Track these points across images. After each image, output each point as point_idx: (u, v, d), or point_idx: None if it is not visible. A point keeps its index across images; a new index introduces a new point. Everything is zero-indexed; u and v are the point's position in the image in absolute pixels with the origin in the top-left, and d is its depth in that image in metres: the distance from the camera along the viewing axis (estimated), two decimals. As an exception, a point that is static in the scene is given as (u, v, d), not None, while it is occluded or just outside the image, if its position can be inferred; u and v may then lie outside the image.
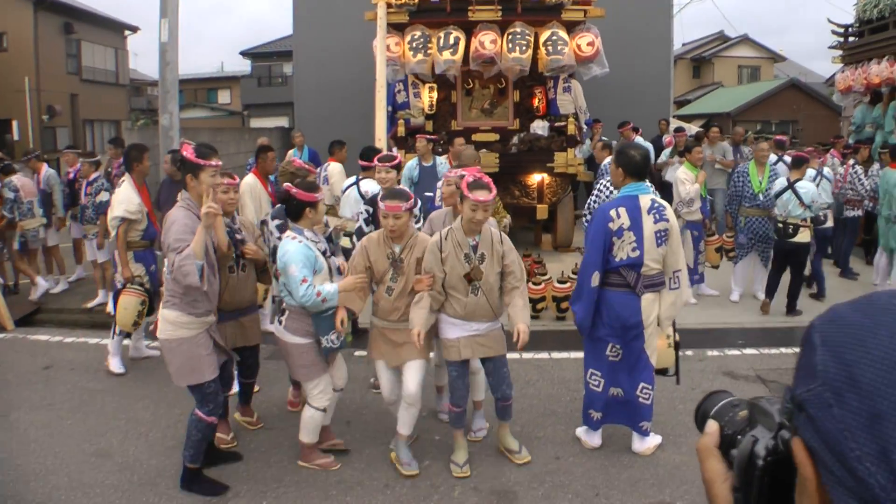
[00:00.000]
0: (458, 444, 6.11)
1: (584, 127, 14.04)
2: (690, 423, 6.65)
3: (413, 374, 5.84)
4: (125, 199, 8.14)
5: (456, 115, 13.44)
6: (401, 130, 12.77)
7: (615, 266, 5.99)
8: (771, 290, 10.24)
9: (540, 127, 13.02)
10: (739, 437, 1.08)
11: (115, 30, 40.01)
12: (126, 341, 8.57)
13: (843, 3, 49.79)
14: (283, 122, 39.11)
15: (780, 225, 9.88)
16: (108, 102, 37.77)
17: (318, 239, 5.90)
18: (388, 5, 11.73)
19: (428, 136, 11.25)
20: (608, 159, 10.57)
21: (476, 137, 13.00)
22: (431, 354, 6.40)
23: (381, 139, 10.05)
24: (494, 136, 13.10)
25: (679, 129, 15.14)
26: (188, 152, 5.65)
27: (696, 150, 10.47)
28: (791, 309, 10.19)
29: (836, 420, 0.82)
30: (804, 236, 9.76)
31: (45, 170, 12.33)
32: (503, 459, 6.18)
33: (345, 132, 12.74)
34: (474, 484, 5.82)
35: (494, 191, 5.65)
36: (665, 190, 11.54)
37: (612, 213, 5.96)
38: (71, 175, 11.84)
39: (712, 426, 1.18)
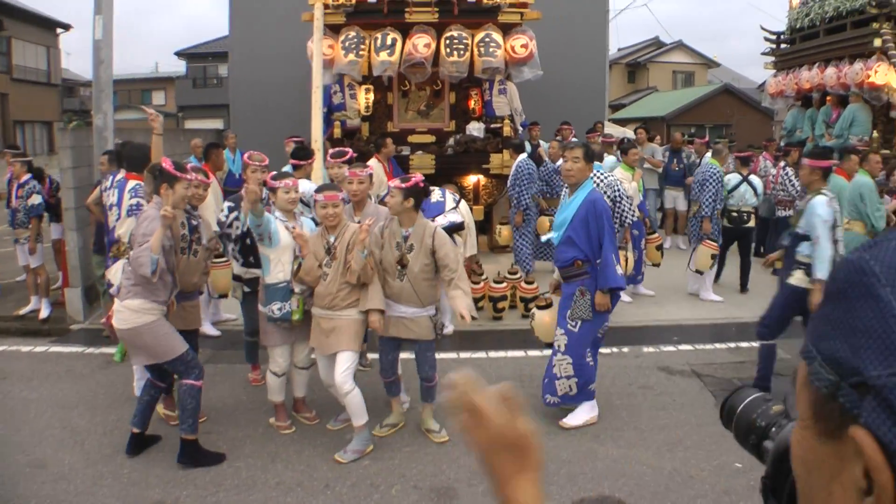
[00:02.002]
0: (393, 409, 6.89)
1: (520, 129, 14.11)
2: (627, 418, 6.79)
3: (339, 364, 6.22)
4: None
5: (392, 116, 13.46)
6: (337, 132, 12.75)
7: None
8: (721, 267, 11.77)
9: (476, 128, 13.10)
10: (773, 428, 1.07)
11: (48, 27, 39.27)
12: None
13: (776, 11, 50.61)
14: (218, 123, 38.79)
15: (735, 214, 11.23)
16: (40, 103, 37.09)
17: (285, 219, 6.65)
18: (325, 6, 11.69)
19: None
20: (522, 157, 11.22)
21: (412, 139, 13.05)
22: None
23: (317, 140, 10.01)
24: (431, 138, 13.15)
25: (591, 130, 15.13)
26: (167, 165, 6.16)
27: (632, 151, 10.70)
28: (744, 286, 11.66)
29: None
30: (752, 222, 11.44)
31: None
32: (442, 457, 6.24)
33: (281, 134, 12.62)
34: (414, 482, 5.87)
35: (414, 179, 6.33)
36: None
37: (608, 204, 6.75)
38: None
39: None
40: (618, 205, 9.17)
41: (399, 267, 6.25)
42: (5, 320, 10.66)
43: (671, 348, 9.03)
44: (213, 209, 9.08)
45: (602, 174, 9.34)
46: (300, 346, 6.80)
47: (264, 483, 5.87)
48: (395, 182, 6.33)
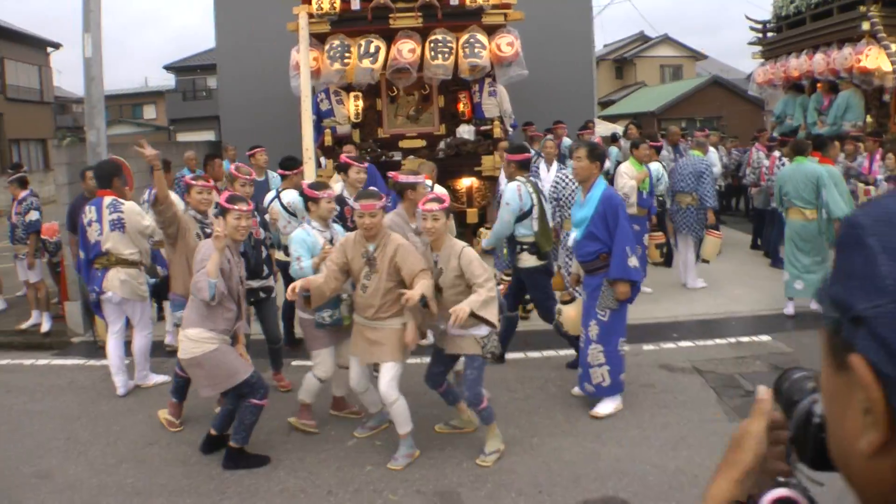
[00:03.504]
0: (459, 413, 6.86)
1: (510, 130, 14.15)
2: (630, 417, 6.85)
3: (383, 374, 6.16)
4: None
5: (382, 122, 13.51)
6: (328, 139, 12.81)
7: None
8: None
9: (466, 131, 13.13)
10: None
11: (38, 47, 39.38)
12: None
13: (761, 1, 50.63)
14: (209, 135, 38.83)
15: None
16: (34, 121, 37.19)
17: (322, 228, 6.86)
18: (310, 15, 11.76)
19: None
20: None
21: (403, 144, 13.11)
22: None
23: (308, 149, 10.07)
24: (421, 143, 13.20)
25: (583, 128, 15.25)
26: (221, 199, 6.47)
27: (643, 146, 10.68)
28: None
29: None
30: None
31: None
32: (445, 461, 6.24)
33: (272, 143, 12.72)
34: (417, 487, 5.87)
35: (446, 202, 6.14)
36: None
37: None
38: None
39: (766, 394, 1.31)
40: None
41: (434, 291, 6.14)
42: (7, 335, 10.81)
43: (671, 345, 8.96)
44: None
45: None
46: (346, 348, 6.83)
47: (267, 490, 5.90)
48: (431, 205, 6.02)
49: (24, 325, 10.93)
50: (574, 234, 7.28)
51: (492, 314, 5.88)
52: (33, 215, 10.75)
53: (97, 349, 9.74)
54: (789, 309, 10.04)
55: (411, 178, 7.39)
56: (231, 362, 6.18)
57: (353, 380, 6.51)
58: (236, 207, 6.31)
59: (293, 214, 8.39)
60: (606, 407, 7.06)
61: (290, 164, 8.98)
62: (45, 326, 10.73)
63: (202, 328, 6.11)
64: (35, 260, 10.72)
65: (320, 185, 6.99)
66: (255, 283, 7.42)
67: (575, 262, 7.56)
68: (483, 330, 6.02)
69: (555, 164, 11.11)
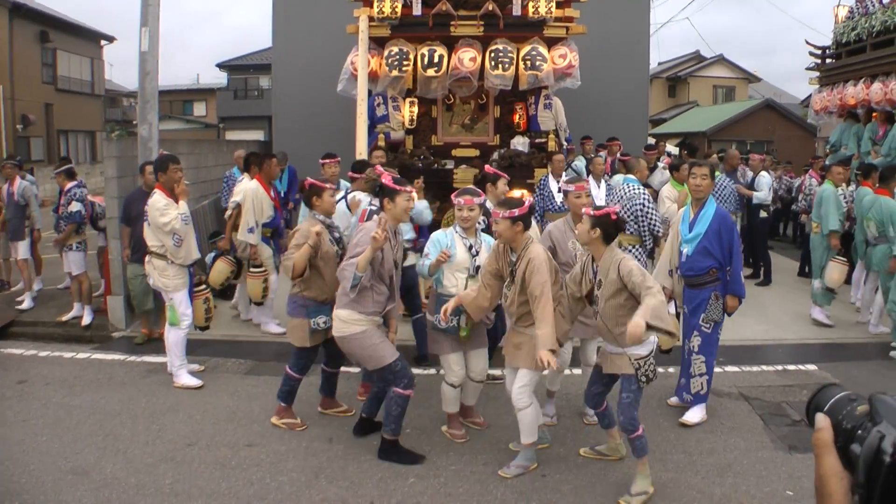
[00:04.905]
0: (610, 438, 6.59)
1: (564, 143, 13.99)
2: (675, 441, 6.61)
3: (518, 379, 6.12)
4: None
5: (436, 129, 13.36)
6: (381, 144, 12.68)
7: None
8: None
9: (520, 143, 12.95)
10: (860, 431, 1.05)
11: (92, 39, 39.88)
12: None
13: (820, 25, 50.33)
14: (258, 135, 39.03)
15: None
16: (84, 113, 37.65)
17: (465, 235, 6.82)
18: (370, 19, 11.65)
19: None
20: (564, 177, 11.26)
21: (456, 153, 12.95)
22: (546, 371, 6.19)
23: (361, 153, 9.97)
24: (475, 152, 13.03)
25: (650, 147, 15.14)
26: (387, 179, 6.46)
27: (683, 167, 10.54)
28: None
29: None
30: None
31: (19, 181, 12.08)
32: (489, 476, 6.12)
33: (324, 146, 12.61)
34: (460, 502, 5.78)
35: (606, 210, 5.83)
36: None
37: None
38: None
39: (824, 421, 1.14)
40: (642, 218, 9.16)
41: (588, 302, 6.02)
42: (48, 326, 10.77)
43: (718, 370, 8.54)
44: (250, 216, 9.69)
45: (630, 186, 9.54)
46: (476, 358, 6.82)
47: (308, 499, 5.80)
48: (587, 209, 5.82)
49: (65, 317, 10.86)
50: (685, 250, 7.32)
51: (666, 322, 5.41)
52: (74, 206, 10.73)
53: (137, 346, 9.80)
54: (816, 314, 10.99)
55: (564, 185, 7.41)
56: (376, 347, 6.34)
57: (508, 384, 6.35)
58: (407, 190, 6.45)
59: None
60: (695, 415, 7.22)
61: (361, 167, 8.96)
62: (87, 319, 10.68)
63: (352, 310, 6.30)
64: (64, 248, 10.81)
65: (462, 192, 6.84)
66: None
67: (685, 276, 7.49)
68: (642, 350, 5.68)
69: (603, 182, 11.07)
